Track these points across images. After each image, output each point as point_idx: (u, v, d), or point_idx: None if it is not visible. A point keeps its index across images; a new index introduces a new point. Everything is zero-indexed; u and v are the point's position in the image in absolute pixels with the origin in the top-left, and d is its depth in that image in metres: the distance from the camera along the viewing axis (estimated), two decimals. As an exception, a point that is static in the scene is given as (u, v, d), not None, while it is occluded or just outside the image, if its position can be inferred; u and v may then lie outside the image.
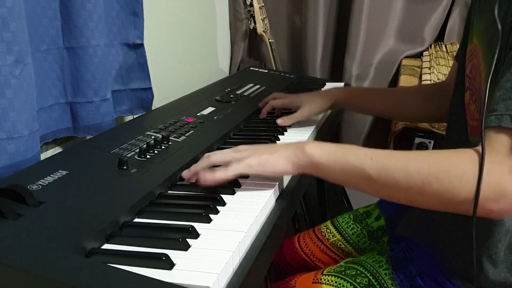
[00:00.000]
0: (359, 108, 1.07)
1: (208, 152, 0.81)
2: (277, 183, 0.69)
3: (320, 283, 0.81)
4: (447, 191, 0.56)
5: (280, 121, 0.97)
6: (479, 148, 0.57)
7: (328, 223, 1.03)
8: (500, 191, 0.54)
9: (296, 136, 0.93)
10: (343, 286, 0.78)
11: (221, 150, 0.70)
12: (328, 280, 0.80)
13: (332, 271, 0.82)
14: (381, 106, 1.02)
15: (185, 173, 0.70)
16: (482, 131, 0.57)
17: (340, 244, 0.99)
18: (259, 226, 0.60)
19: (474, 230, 0.59)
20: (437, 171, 0.56)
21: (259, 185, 0.69)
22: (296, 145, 0.65)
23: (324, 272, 0.83)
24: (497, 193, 0.54)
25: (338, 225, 1.01)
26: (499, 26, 0.62)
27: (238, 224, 0.57)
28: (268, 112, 1.04)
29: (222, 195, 0.65)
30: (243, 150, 0.67)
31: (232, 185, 0.68)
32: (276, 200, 0.68)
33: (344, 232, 1.00)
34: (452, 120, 0.82)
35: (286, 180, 0.74)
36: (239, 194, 0.66)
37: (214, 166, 0.68)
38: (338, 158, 0.62)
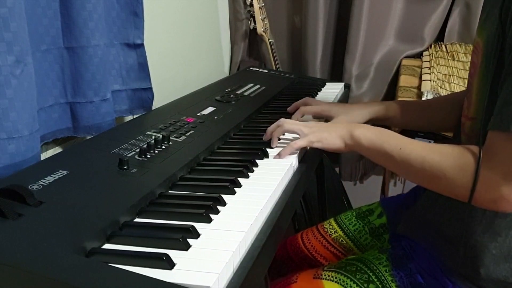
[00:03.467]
0: (398, 124, 1.03)
1: (208, 151, 0.82)
2: (277, 183, 0.69)
3: (321, 278, 0.81)
4: (451, 186, 0.65)
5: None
6: (481, 148, 0.61)
7: (332, 219, 1.04)
8: (497, 195, 0.60)
9: (296, 136, 0.92)
10: (343, 281, 0.79)
11: (296, 122, 0.84)
12: (328, 276, 0.81)
13: (332, 267, 0.83)
14: (421, 119, 1.00)
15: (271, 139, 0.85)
16: (481, 133, 0.61)
17: (341, 240, 0.99)
18: (259, 226, 0.60)
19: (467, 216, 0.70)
20: (446, 169, 0.65)
21: (260, 185, 0.69)
22: (349, 128, 0.78)
23: (325, 268, 0.83)
24: (495, 196, 0.60)
25: (341, 221, 1.02)
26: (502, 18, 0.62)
27: (238, 224, 0.57)
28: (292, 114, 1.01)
29: (223, 195, 0.64)
30: (309, 126, 0.82)
31: (233, 185, 0.68)
32: (276, 200, 0.68)
33: (346, 228, 1.00)
34: (459, 120, 0.82)
35: (286, 180, 0.74)
36: (239, 194, 0.66)
37: None
38: (377, 144, 0.74)
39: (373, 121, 1.00)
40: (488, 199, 0.61)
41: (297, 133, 0.82)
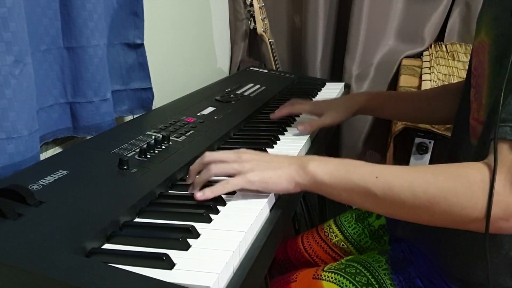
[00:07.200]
0: (386, 114, 1.00)
1: (208, 151, 0.81)
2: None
3: (320, 279, 0.81)
4: (455, 211, 0.54)
5: (301, 128, 0.91)
6: (487, 162, 0.54)
7: (331, 222, 1.03)
8: (511, 211, 0.53)
9: (296, 135, 0.93)
10: (342, 283, 0.78)
11: (222, 156, 0.66)
12: (328, 277, 0.81)
13: (332, 268, 0.83)
14: (410, 110, 0.97)
15: (192, 190, 0.67)
16: (495, 143, 0.54)
17: (342, 245, 0.99)
18: (259, 226, 0.60)
19: (487, 245, 0.56)
20: (445, 190, 0.54)
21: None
22: (299, 163, 0.63)
23: (325, 269, 0.83)
24: (508, 212, 0.53)
25: (341, 224, 1.01)
26: None
27: (238, 224, 0.57)
28: (278, 117, 0.99)
29: (223, 195, 0.64)
30: (245, 160, 0.64)
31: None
32: (276, 200, 0.68)
33: (346, 231, 0.99)
34: (457, 119, 0.80)
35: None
36: (239, 194, 0.66)
37: None
38: (342, 177, 0.60)
39: (361, 113, 0.98)
40: (501, 216, 0.53)
41: (232, 174, 0.64)
